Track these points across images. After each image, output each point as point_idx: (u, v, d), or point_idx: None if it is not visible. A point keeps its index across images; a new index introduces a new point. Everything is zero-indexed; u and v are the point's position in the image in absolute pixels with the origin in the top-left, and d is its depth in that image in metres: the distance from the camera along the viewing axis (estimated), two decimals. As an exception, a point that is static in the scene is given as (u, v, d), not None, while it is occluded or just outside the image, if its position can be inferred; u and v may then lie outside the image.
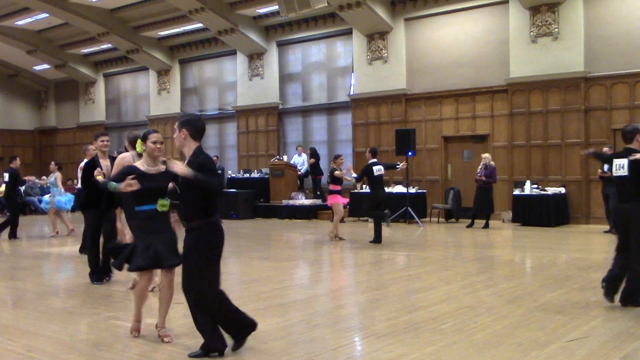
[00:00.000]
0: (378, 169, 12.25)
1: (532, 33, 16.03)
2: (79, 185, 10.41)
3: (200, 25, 21.55)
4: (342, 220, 14.01)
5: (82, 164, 10.11)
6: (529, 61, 16.09)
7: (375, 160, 12.36)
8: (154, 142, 5.34)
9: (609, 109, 15.16)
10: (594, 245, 11.99)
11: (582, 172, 15.41)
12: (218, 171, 4.96)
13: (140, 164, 5.36)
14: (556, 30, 15.70)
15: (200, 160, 4.78)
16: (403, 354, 4.91)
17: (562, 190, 15.37)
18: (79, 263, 9.84)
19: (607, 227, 13.63)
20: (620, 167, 6.45)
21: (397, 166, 13.21)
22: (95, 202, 8.13)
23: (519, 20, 16.29)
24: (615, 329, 5.56)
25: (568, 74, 15.47)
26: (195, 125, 4.89)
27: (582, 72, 15.28)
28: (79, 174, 10.39)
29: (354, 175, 12.96)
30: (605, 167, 13.61)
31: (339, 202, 12.73)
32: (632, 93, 14.85)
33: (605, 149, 13.86)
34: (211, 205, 4.83)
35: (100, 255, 8.22)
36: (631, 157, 6.30)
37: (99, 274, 8.24)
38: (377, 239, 12.05)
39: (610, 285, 6.47)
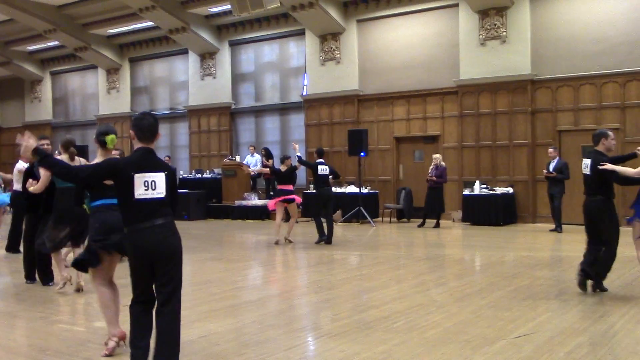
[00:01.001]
0: (323, 169, 12.33)
1: (481, 36, 16.35)
2: (16, 187, 10.28)
3: (151, 23, 21.23)
4: (294, 221, 14.01)
5: (20, 167, 9.96)
6: (478, 64, 16.41)
7: (322, 160, 12.43)
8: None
9: (554, 111, 15.58)
10: (540, 244, 12.31)
11: (529, 173, 15.80)
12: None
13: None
14: (504, 33, 16.05)
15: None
16: (355, 353, 4.94)
17: (510, 190, 15.72)
18: (15, 262, 9.56)
19: (552, 226, 14.02)
20: (586, 166, 7.30)
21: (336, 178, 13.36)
22: (34, 205, 8.00)
23: (468, 23, 16.59)
24: (561, 325, 5.72)
25: (515, 76, 15.84)
26: (139, 126, 4.46)
27: (529, 75, 15.67)
28: (16, 176, 10.25)
29: (298, 154, 12.78)
30: (551, 167, 14.05)
31: (280, 201, 12.74)
32: (576, 96, 15.29)
33: (550, 150, 14.29)
34: (128, 213, 4.34)
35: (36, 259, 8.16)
36: (601, 167, 7.00)
37: (33, 277, 8.29)
38: (322, 236, 12.11)
39: (583, 275, 7.15)
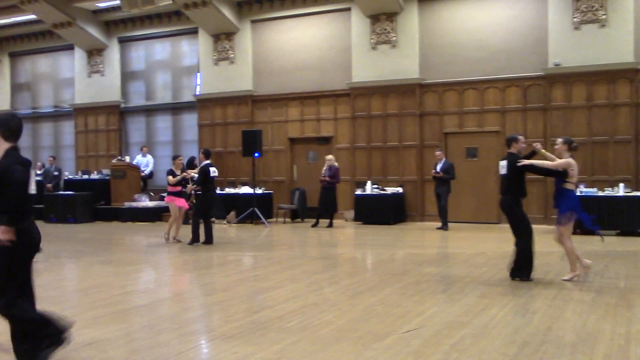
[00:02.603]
0: (213, 171, 12.21)
1: (372, 40, 16.78)
2: None
3: (33, 16, 20.13)
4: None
5: None
6: (370, 67, 16.83)
7: (209, 161, 12.29)
8: None
9: (440, 114, 16.25)
10: (428, 241, 12.79)
11: (418, 173, 16.38)
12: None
13: None
14: (394, 38, 16.56)
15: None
16: (249, 354, 4.92)
17: (400, 189, 16.23)
18: None
19: (439, 224, 14.62)
20: (502, 167, 8.04)
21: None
22: None
23: (360, 27, 16.97)
24: (446, 318, 5.97)
25: (405, 80, 16.38)
26: (8, 126, 4.42)
27: (417, 79, 16.25)
28: None
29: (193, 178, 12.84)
30: (438, 167, 14.64)
31: (174, 203, 12.54)
32: (460, 100, 16.03)
33: (438, 153, 14.90)
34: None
35: None
36: (519, 164, 7.77)
37: None
38: (195, 239, 12.04)
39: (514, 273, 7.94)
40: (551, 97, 15.02)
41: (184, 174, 12.86)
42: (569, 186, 7.73)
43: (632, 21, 14.26)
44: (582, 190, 13.39)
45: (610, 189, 13.49)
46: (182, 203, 12.70)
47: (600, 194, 13.31)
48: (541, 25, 15.15)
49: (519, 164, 7.79)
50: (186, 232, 12.56)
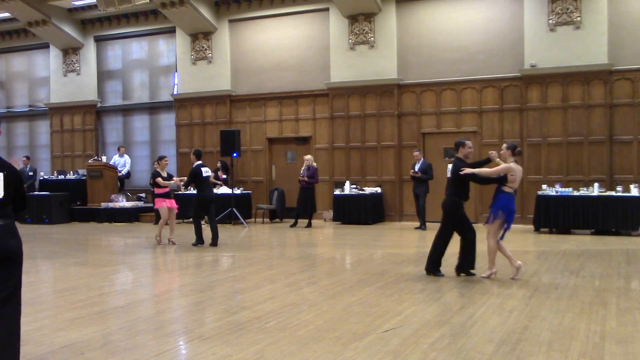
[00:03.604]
0: (206, 171, 12.15)
1: (350, 40, 16.82)
2: None
3: (7, 14, 19.84)
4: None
5: None
6: (348, 67, 16.87)
7: (201, 162, 12.24)
8: None
9: (418, 115, 16.34)
10: (406, 241, 12.85)
11: (396, 173, 16.46)
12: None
13: None
14: (372, 39, 16.62)
15: None
16: (227, 354, 4.90)
17: (378, 189, 16.29)
18: None
19: (417, 224, 14.70)
20: (449, 170, 8.39)
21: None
22: None
23: (338, 27, 17.00)
24: (425, 317, 6.01)
25: (383, 80, 16.45)
26: None
27: (395, 80, 16.33)
28: None
29: (182, 180, 12.97)
30: (416, 167, 14.73)
31: (163, 205, 12.42)
32: (438, 100, 16.14)
33: (416, 153, 14.99)
34: None
35: None
36: (462, 173, 8.06)
37: None
38: (199, 240, 11.95)
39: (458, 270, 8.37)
40: (527, 97, 15.19)
41: (172, 182, 12.74)
42: (506, 189, 7.98)
43: (605, 23, 14.47)
44: (557, 190, 13.57)
45: (585, 188, 13.67)
46: (172, 204, 12.60)
47: (575, 193, 13.49)
48: (517, 27, 15.32)
49: (462, 173, 8.08)
50: (179, 232, 12.48)
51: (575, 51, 14.68)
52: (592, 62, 14.51)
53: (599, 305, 6.47)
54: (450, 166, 8.40)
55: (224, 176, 17.21)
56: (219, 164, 17.40)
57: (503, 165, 8.00)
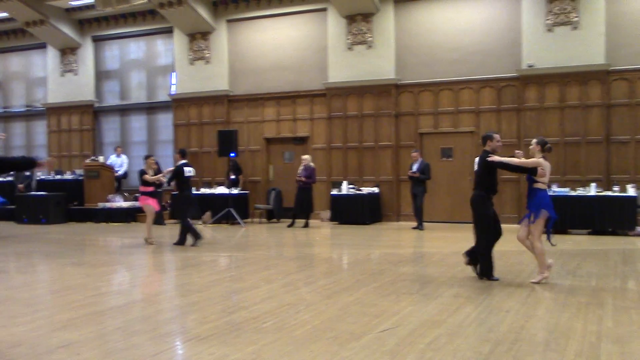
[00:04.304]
0: (189, 171, 12.14)
1: (348, 41, 16.82)
2: None
3: (5, 14, 19.81)
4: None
5: None
6: (346, 67, 16.87)
7: (185, 161, 12.22)
8: None
9: (416, 115, 16.35)
10: (403, 241, 12.85)
11: (393, 173, 16.46)
12: None
13: None
14: (370, 39, 16.62)
15: None
16: (224, 355, 4.90)
17: (376, 189, 16.29)
18: None
19: (415, 224, 14.70)
20: (476, 163, 8.19)
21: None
22: None
23: (336, 28, 17.01)
24: (422, 317, 6.01)
25: (381, 80, 16.45)
26: None
27: (393, 80, 16.33)
28: None
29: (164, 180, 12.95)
30: (414, 167, 14.73)
31: (148, 203, 12.45)
32: (435, 100, 16.15)
33: (414, 154, 15.00)
34: None
35: None
36: (489, 159, 7.87)
37: None
38: (197, 237, 11.93)
39: (469, 256, 8.18)
40: (525, 97, 15.20)
41: (160, 175, 12.79)
42: (540, 186, 7.80)
43: (603, 24, 14.49)
44: (554, 189, 13.58)
45: (582, 188, 13.69)
46: (154, 204, 12.60)
47: (573, 193, 13.51)
48: (515, 27, 15.33)
49: (489, 159, 7.88)
50: (157, 233, 12.48)
51: (572, 51, 14.69)
52: (590, 63, 14.52)
53: (596, 305, 6.48)
54: (477, 159, 8.23)
55: (233, 177, 17.20)
56: (230, 164, 17.37)
57: (532, 159, 7.79)
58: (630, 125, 14.43)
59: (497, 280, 7.84)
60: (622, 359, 4.67)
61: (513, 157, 8.19)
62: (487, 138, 8.23)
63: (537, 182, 7.79)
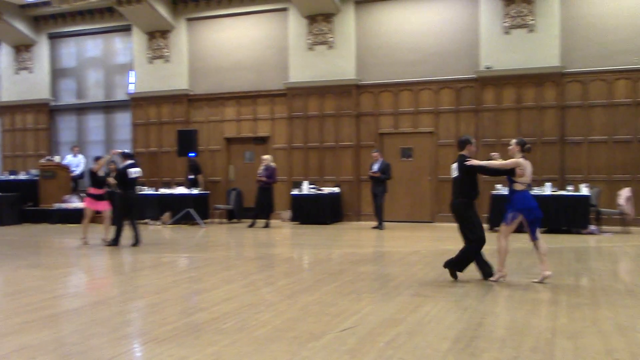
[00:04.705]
0: (135, 171, 11.97)
1: (309, 41, 16.84)
2: None
3: (-46, 9, 19.27)
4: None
5: None
6: (307, 67, 16.89)
7: (132, 161, 12.05)
8: None
9: (376, 115, 16.47)
10: (364, 241, 12.93)
11: (354, 173, 16.55)
12: None
13: None
14: (331, 39, 16.67)
15: None
16: (184, 357, 4.85)
17: (337, 189, 16.35)
18: None
19: (375, 223, 14.80)
20: (454, 170, 7.87)
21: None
22: None
23: (297, 28, 17.01)
24: (382, 316, 6.06)
25: (341, 81, 16.52)
26: None
27: (354, 80, 16.42)
28: None
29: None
30: (375, 167, 14.83)
31: (89, 206, 12.34)
32: (395, 101, 16.30)
33: (375, 154, 15.10)
34: None
35: None
36: (468, 163, 7.72)
37: None
38: (115, 241, 11.82)
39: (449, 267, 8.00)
40: (482, 99, 15.46)
41: (109, 178, 12.64)
42: (518, 187, 7.78)
43: (557, 27, 14.83)
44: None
45: (537, 188, 13.97)
46: (105, 206, 12.44)
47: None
48: (473, 30, 15.57)
49: (467, 163, 7.76)
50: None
51: (529, 54, 15.00)
52: (545, 65, 14.85)
53: (551, 302, 6.63)
54: (454, 165, 7.91)
55: (191, 176, 16.99)
56: (189, 164, 17.20)
57: (512, 160, 7.75)
58: (584, 126, 14.80)
59: (456, 279, 7.92)
60: (575, 354, 4.79)
61: (491, 159, 8.17)
62: (465, 142, 8.02)
63: (515, 182, 7.79)
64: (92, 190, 12.35)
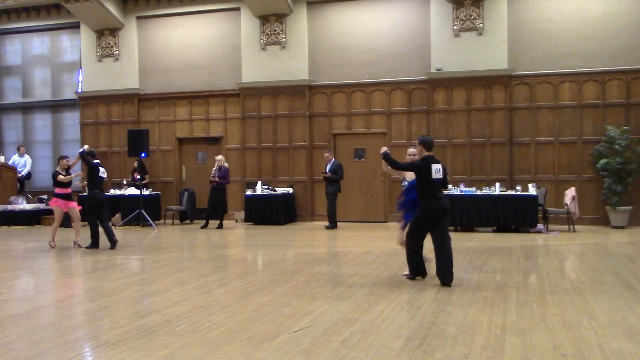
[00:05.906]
0: (103, 171, 11.78)
1: (262, 41, 16.78)
2: None
3: None
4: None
5: None
6: (260, 67, 16.84)
7: (98, 161, 11.87)
8: None
9: (329, 115, 16.53)
10: (317, 241, 12.97)
11: (307, 173, 16.58)
12: None
13: None
14: (284, 39, 16.65)
15: None
16: (136, 360, 4.78)
17: (290, 190, 16.35)
18: None
19: (328, 224, 14.87)
20: (437, 170, 7.56)
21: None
22: None
23: (250, 27, 16.93)
24: (336, 316, 6.09)
25: (294, 81, 16.52)
26: None
27: (307, 81, 16.44)
28: None
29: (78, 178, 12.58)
30: (327, 168, 14.88)
31: (59, 205, 11.96)
32: (348, 101, 16.39)
33: (326, 155, 15.16)
34: None
35: None
36: (382, 151, 7.82)
37: None
38: (94, 244, 11.60)
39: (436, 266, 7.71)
40: (433, 100, 15.69)
41: (78, 173, 12.36)
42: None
43: (505, 31, 15.17)
44: (462, 189, 14.08)
45: (487, 188, 14.27)
46: (74, 205, 12.12)
47: (478, 192, 14.05)
48: (424, 32, 15.79)
49: (382, 151, 7.94)
50: (85, 234, 12.03)
51: (478, 56, 15.30)
52: (494, 67, 15.17)
53: (500, 300, 6.78)
54: (438, 166, 7.60)
55: (139, 177, 16.75)
56: (135, 164, 16.92)
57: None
58: (531, 127, 15.18)
59: (412, 278, 7.99)
60: (524, 350, 4.91)
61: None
62: (430, 143, 7.78)
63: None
64: (59, 190, 11.97)
